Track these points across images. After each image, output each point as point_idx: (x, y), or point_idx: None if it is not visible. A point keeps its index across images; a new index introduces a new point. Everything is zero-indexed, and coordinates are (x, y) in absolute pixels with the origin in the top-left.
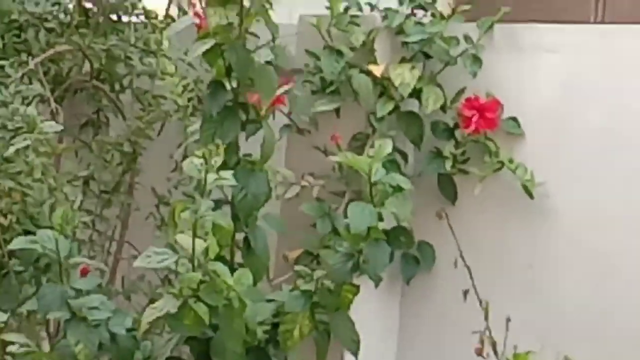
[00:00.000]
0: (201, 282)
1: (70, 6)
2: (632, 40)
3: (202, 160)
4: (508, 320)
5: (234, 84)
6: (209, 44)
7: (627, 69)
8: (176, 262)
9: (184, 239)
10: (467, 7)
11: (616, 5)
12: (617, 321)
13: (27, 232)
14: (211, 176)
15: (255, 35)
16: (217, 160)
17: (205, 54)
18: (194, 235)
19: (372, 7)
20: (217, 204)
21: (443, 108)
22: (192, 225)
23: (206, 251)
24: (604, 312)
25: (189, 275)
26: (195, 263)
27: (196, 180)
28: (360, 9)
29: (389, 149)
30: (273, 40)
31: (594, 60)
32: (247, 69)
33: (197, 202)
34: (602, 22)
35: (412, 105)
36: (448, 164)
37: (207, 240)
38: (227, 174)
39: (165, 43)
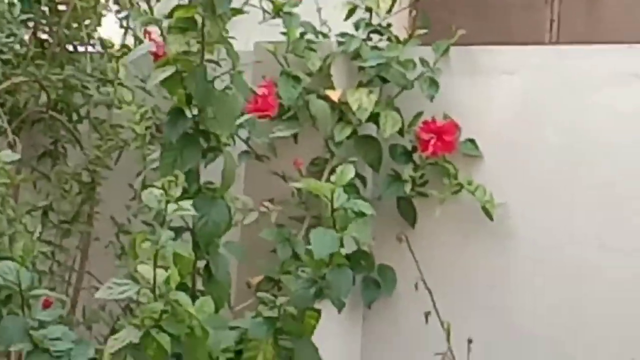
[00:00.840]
0: (163, 311)
1: (26, 37)
2: (587, 60)
3: (161, 191)
4: (470, 341)
5: (195, 112)
6: (168, 71)
7: (583, 88)
8: (138, 293)
9: (145, 269)
10: (423, 30)
11: (570, 26)
12: (580, 341)
13: None
14: (171, 206)
15: (216, 63)
16: (177, 190)
17: (164, 81)
18: (155, 266)
19: (329, 31)
20: (178, 232)
21: (401, 132)
22: (152, 256)
23: (167, 281)
24: (566, 332)
25: (150, 306)
26: (157, 293)
27: (156, 209)
28: (317, 35)
29: (352, 175)
30: (233, 67)
31: (550, 81)
32: (208, 97)
33: (157, 233)
34: (557, 42)
35: (370, 129)
36: (407, 187)
37: (168, 270)
38: (187, 204)
39: (122, 71)
